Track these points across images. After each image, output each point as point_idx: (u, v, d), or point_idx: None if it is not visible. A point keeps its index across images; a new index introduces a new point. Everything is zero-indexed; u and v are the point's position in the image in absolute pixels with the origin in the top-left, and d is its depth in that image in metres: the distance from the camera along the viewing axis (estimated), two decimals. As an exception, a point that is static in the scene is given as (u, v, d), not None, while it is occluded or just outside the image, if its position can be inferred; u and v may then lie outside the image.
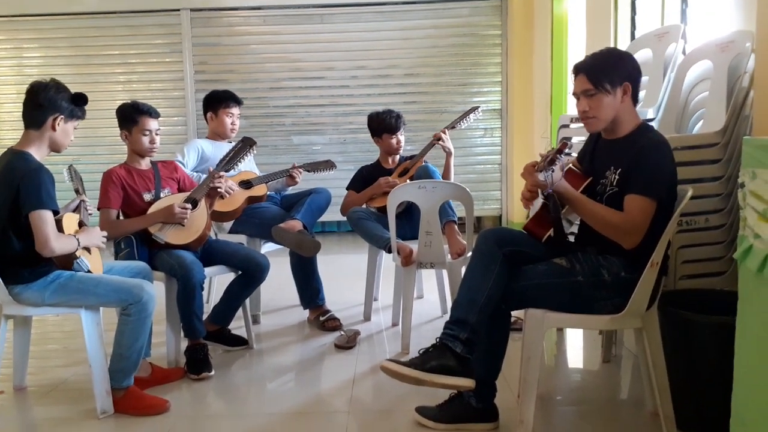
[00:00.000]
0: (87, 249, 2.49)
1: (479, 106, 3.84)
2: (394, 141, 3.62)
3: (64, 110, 2.43)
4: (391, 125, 3.59)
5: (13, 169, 2.34)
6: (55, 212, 2.37)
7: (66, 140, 2.48)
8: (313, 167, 3.67)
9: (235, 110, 3.67)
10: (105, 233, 2.58)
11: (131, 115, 2.93)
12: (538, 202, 2.23)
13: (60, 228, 2.37)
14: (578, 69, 2.15)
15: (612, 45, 4.06)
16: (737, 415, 1.69)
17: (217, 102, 3.65)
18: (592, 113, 2.13)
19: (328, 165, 3.69)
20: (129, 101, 3.00)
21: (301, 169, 3.60)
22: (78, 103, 2.47)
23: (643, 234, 2.00)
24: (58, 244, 2.32)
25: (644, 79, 2.82)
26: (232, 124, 3.66)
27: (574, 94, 2.18)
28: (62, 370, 3.00)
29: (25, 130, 2.44)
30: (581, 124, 2.22)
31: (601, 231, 2.06)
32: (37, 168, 2.34)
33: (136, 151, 3.00)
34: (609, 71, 2.09)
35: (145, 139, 2.95)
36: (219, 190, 3.06)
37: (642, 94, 2.97)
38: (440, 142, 3.57)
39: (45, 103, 2.39)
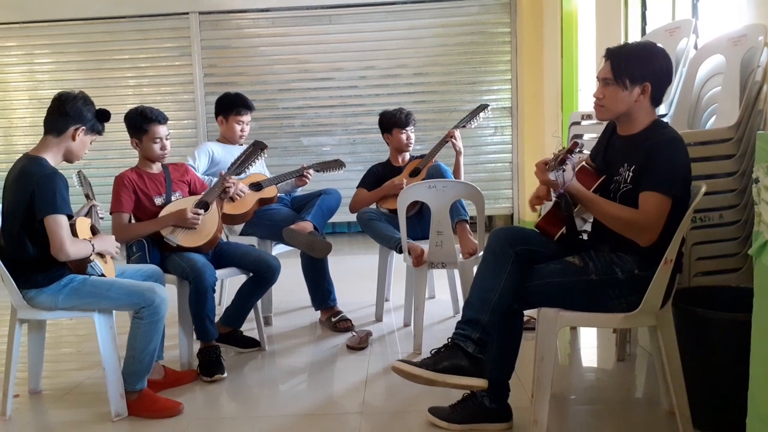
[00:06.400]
0: (101, 255, 2.51)
1: (488, 105, 3.83)
2: (403, 136, 3.62)
3: (87, 123, 2.47)
4: (401, 120, 3.61)
5: (28, 174, 2.36)
6: (69, 217, 2.39)
7: (81, 152, 2.51)
8: (323, 167, 3.66)
9: (246, 117, 3.66)
10: (118, 245, 2.60)
11: (140, 125, 2.94)
12: (547, 201, 2.22)
13: (74, 232, 2.39)
14: (607, 54, 2.13)
15: (623, 41, 4.03)
16: (754, 413, 1.67)
17: (228, 108, 3.64)
18: (603, 102, 2.12)
19: (338, 164, 3.69)
20: (136, 108, 3.00)
21: (311, 170, 3.60)
22: (101, 118, 2.52)
23: (659, 231, 1.98)
24: (73, 248, 2.34)
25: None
26: (241, 131, 3.65)
27: (597, 76, 2.16)
28: (76, 374, 3.02)
29: (44, 136, 2.46)
30: (593, 121, 2.21)
31: (616, 229, 2.05)
32: (51, 173, 2.36)
33: (148, 157, 3.01)
34: (633, 66, 2.06)
35: (156, 147, 2.97)
36: (230, 190, 3.07)
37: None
38: (452, 140, 3.58)
39: (71, 112, 2.43)
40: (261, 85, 6.58)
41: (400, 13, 6.50)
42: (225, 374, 2.85)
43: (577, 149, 2.09)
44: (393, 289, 3.95)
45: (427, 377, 2.02)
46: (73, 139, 2.45)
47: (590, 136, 3.26)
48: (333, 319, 3.49)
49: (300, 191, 3.77)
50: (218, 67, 6.65)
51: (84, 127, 2.46)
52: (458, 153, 3.63)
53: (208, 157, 3.57)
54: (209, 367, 2.84)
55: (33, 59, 6.70)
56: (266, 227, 3.48)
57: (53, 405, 2.70)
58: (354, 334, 3.32)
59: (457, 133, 3.61)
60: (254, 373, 2.98)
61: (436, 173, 3.38)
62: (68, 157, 2.49)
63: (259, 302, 3.21)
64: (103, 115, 2.52)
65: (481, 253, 2.27)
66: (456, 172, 3.61)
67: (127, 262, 2.88)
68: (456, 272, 3.45)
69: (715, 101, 2.71)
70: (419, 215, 3.40)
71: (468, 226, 3.25)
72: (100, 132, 2.55)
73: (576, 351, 3.19)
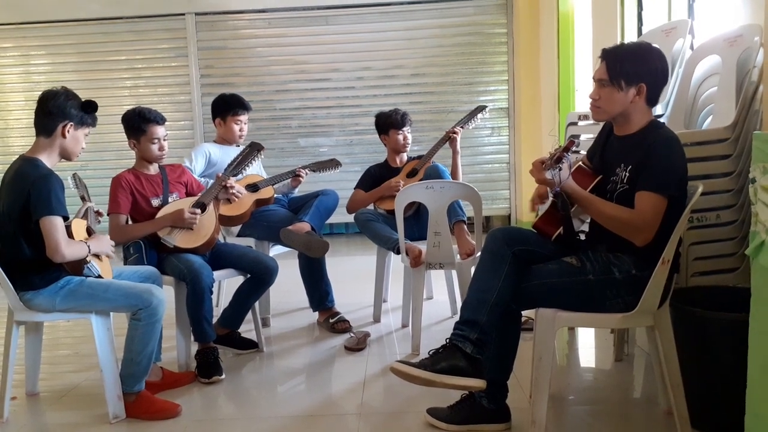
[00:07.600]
0: (97, 256, 2.50)
1: (486, 106, 3.84)
2: (400, 137, 3.62)
3: (73, 117, 2.44)
4: (397, 120, 3.61)
5: (23, 175, 2.35)
6: (65, 218, 2.38)
7: (77, 148, 2.49)
8: (319, 167, 3.67)
9: (244, 117, 3.66)
10: (113, 243, 2.60)
11: (138, 125, 2.93)
12: (547, 200, 2.22)
13: (69, 234, 2.38)
14: (603, 55, 2.13)
15: (619, 41, 4.04)
16: (752, 412, 1.67)
17: (225, 109, 3.64)
18: (599, 103, 2.12)
19: (334, 164, 3.69)
20: (134, 108, 3.00)
21: (306, 170, 3.60)
22: (87, 110, 2.48)
23: (654, 231, 1.98)
24: (68, 250, 2.33)
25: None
26: (240, 130, 3.65)
27: (592, 77, 2.17)
28: (74, 376, 3.02)
29: (36, 138, 2.45)
30: (590, 122, 2.21)
31: (612, 229, 2.05)
32: (47, 174, 2.35)
33: (146, 158, 3.01)
34: (628, 67, 2.06)
35: (155, 147, 2.96)
36: (232, 191, 3.07)
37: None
38: (455, 135, 3.59)
39: (54, 110, 2.40)
40: (258, 86, 6.58)
41: (396, 13, 6.51)
42: (223, 376, 2.84)
43: (574, 147, 2.09)
44: (391, 290, 3.95)
45: (425, 378, 2.02)
46: (64, 136, 2.42)
47: (587, 137, 3.26)
48: (331, 320, 3.49)
49: (297, 192, 3.77)
50: (215, 68, 6.64)
51: (72, 123, 2.43)
52: (455, 153, 3.63)
53: (205, 158, 3.56)
54: (207, 368, 2.83)
55: (29, 60, 6.69)
56: (263, 228, 3.48)
57: (50, 407, 2.69)
58: (352, 335, 3.32)
59: (460, 131, 3.63)
60: (252, 375, 2.98)
61: (434, 174, 3.39)
62: (65, 155, 2.47)
63: (256, 303, 3.21)
64: (89, 106, 2.48)
65: (479, 253, 2.28)
66: (454, 173, 3.62)
67: (125, 264, 2.87)
68: (454, 273, 3.45)
69: (712, 102, 2.71)
70: (417, 216, 3.40)
71: (465, 226, 3.26)
72: (91, 124, 2.51)
73: (574, 351, 3.19)
